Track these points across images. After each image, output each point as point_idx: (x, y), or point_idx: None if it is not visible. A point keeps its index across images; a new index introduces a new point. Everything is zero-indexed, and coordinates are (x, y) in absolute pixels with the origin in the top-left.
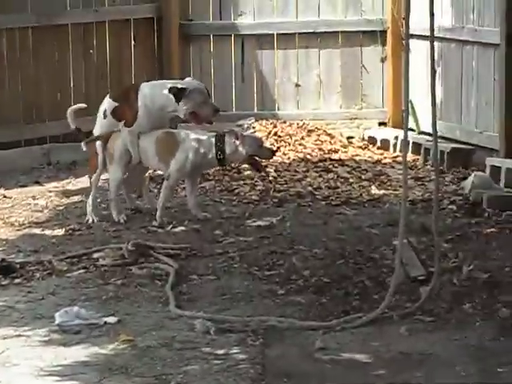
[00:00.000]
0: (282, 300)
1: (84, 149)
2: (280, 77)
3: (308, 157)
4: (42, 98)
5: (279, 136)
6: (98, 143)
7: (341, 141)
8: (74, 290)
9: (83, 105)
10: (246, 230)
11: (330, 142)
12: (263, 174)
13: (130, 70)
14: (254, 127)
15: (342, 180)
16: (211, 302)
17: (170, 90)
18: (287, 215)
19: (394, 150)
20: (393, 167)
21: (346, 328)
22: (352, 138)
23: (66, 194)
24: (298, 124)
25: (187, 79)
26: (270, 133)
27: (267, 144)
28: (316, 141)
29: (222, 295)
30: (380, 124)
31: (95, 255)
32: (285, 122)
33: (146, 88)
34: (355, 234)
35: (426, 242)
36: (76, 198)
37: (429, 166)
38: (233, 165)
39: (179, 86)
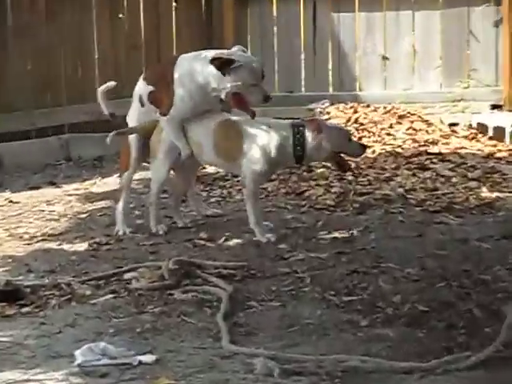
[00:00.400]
0: (365, 334)
1: (108, 142)
2: (362, 47)
3: (398, 150)
4: (58, 76)
5: (361, 124)
6: (133, 135)
7: (441, 129)
8: (100, 321)
9: (113, 83)
10: (318, 244)
11: (427, 131)
12: (350, 174)
13: (170, 40)
14: (328, 112)
15: (443, 180)
16: (275, 336)
17: (213, 61)
18: (371, 225)
19: None
20: (509, 163)
21: (448, 370)
22: (456, 125)
23: (90, 198)
24: (385, 108)
25: (235, 49)
26: (349, 120)
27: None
28: (409, 129)
29: (289, 327)
30: (493, 107)
31: (127, 276)
32: (368, 106)
33: (184, 62)
34: (460, 249)
35: None
36: (102, 204)
37: None
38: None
39: (225, 56)
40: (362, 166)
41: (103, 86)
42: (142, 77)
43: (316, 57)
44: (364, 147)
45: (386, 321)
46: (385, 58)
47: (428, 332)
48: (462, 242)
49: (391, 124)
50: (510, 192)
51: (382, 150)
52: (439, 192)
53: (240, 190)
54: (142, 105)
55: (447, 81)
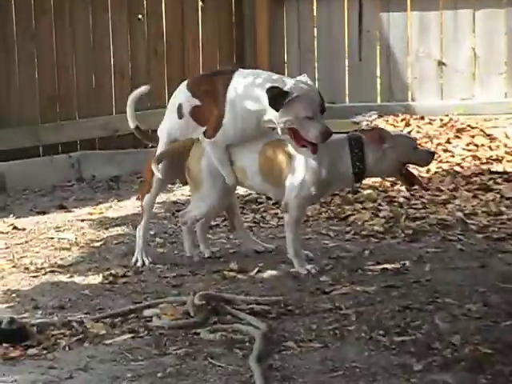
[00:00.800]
0: (419, 380)
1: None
2: (415, 52)
3: (457, 168)
4: (70, 85)
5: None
6: (159, 148)
7: (506, 144)
8: (117, 364)
9: (146, 87)
10: (365, 277)
11: (490, 147)
12: (420, 188)
13: (195, 44)
14: (376, 126)
15: (509, 202)
16: (316, 382)
17: (268, 90)
18: (426, 254)
19: None
20: None
21: None
22: None
23: (105, 223)
24: (441, 120)
25: (300, 77)
26: None
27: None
28: (469, 145)
29: (332, 371)
30: None
31: (147, 313)
32: (422, 118)
33: (240, 81)
34: None
35: None
36: (119, 230)
37: None
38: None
39: (284, 87)
40: (416, 187)
41: (136, 92)
42: (184, 85)
43: (362, 62)
44: (433, 154)
45: (444, 365)
46: (441, 64)
47: (492, 378)
48: None
49: (449, 139)
50: None
51: (439, 168)
52: (504, 217)
53: (276, 214)
54: (180, 116)
55: None
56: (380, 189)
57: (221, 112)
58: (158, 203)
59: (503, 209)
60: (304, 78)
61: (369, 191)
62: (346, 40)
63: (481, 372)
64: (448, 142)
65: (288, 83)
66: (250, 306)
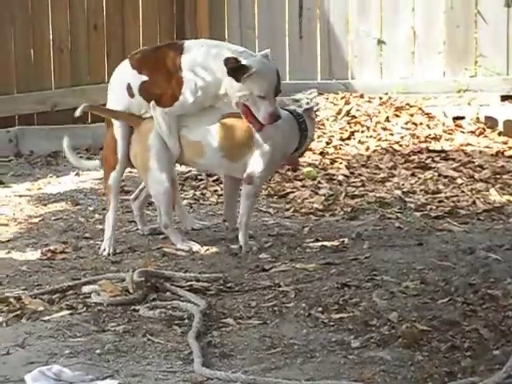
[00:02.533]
0: (357, 356)
1: (77, 114)
2: (355, 30)
3: (396, 147)
4: (8, 60)
5: (353, 116)
6: (118, 125)
7: (444, 123)
8: (55, 341)
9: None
10: (304, 254)
11: (428, 126)
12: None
13: (135, 18)
14: (317, 104)
15: (446, 181)
16: (254, 359)
17: (227, 61)
18: (365, 232)
19: None
20: None
21: None
22: (461, 118)
23: (43, 200)
24: (381, 99)
25: (264, 53)
26: (339, 112)
27: None
28: (407, 123)
29: (270, 348)
30: (503, 98)
31: (85, 289)
32: (362, 97)
33: (195, 51)
34: (465, 260)
35: None
36: (57, 206)
37: None
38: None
39: (242, 60)
40: (355, 165)
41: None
42: (127, 63)
43: (302, 40)
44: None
45: (381, 342)
46: (381, 42)
47: (428, 355)
48: (467, 253)
49: (388, 117)
50: None
51: (377, 146)
52: (442, 195)
53: (216, 191)
54: (132, 95)
55: (452, 68)
56: (320, 167)
57: (178, 82)
58: (98, 179)
59: (441, 187)
60: (266, 53)
61: (308, 169)
62: (286, 17)
63: (417, 349)
64: (387, 120)
65: (248, 57)
66: (190, 282)
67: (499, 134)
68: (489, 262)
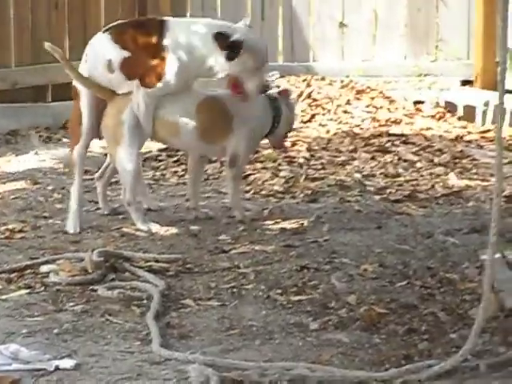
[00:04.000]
0: (315, 338)
1: (47, 47)
2: (317, 12)
3: (356, 130)
4: None
5: (314, 99)
6: (86, 97)
7: (404, 107)
8: (12, 320)
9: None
10: (264, 236)
11: (389, 109)
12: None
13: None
14: (277, 86)
15: (406, 165)
16: (213, 340)
17: (218, 38)
18: (324, 215)
19: (484, 122)
20: (481, 147)
21: (408, 381)
22: (421, 102)
23: (2, 178)
24: (342, 82)
25: (240, 23)
26: (301, 94)
27: None
28: (368, 107)
29: (229, 329)
30: (463, 83)
31: (44, 269)
32: (323, 79)
33: (178, 29)
34: (424, 244)
35: None
36: (17, 185)
37: None
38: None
39: (235, 36)
40: (315, 148)
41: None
42: (108, 36)
43: (264, 22)
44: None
45: (339, 324)
46: (342, 25)
47: (386, 337)
48: (426, 236)
49: (349, 100)
50: (481, 180)
51: (338, 129)
52: (401, 179)
53: (176, 172)
54: (112, 71)
55: (412, 52)
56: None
57: (161, 62)
58: (57, 158)
59: (401, 171)
60: (245, 22)
61: (269, 151)
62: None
63: (375, 331)
64: (348, 103)
65: (237, 30)
66: (149, 263)
67: (459, 118)
68: (447, 245)
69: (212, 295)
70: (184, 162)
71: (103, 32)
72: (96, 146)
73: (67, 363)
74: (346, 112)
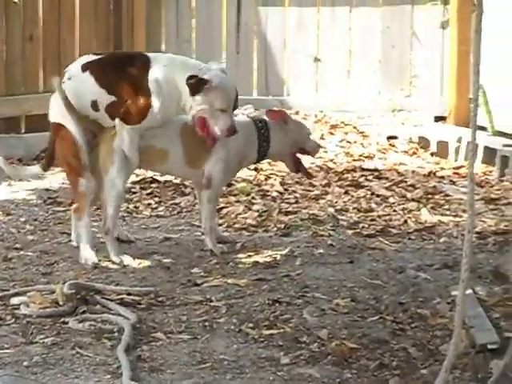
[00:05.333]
0: (286, 373)
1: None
2: (292, 47)
3: (330, 164)
4: None
5: None
6: (77, 129)
7: (378, 142)
8: None
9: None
10: (236, 269)
11: (363, 144)
12: (305, 174)
13: (71, 29)
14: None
15: (379, 200)
16: (184, 374)
17: (189, 78)
18: (297, 249)
19: (457, 158)
20: (453, 183)
21: None
22: (394, 138)
23: None
24: (316, 116)
25: (214, 66)
26: None
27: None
28: (342, 141)
29: (200, 363)
30: (437, 119)
31: (14, 301)
32: (297, 114)
33: (159, 64)
34: (396, 279)
35: (500, 294)
36: None
37: (507, 183)
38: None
39: (204, 75)
40: (289, 182)
41: None
42: (92, 78)
43: (239, 56)
44: (320, 146)
45: (311, 359)
46: (317, 60)
47: (357, 372)
48: (398, 271)
49: (322, 134)
50: (453, 216)
51: (312, 163)
52: (374, 213)
53: (149, 204)
54: (96, 110)
55: (387, 88)
56: (254, 182)
57: (146, 100)
58: (30, 190)
59: (373, 205)
60: (220, 65)
61: (243, 184)
62: (223, 33)
63: (346, 366)
64: (322, 138)
65: (209, 71)
66: (121, 296)
67: (432, 154)
68: (419, 281)
69: (183, 328)
70: (157, 195)
71: (83, 70)
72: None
73: None
74: (319, 146)
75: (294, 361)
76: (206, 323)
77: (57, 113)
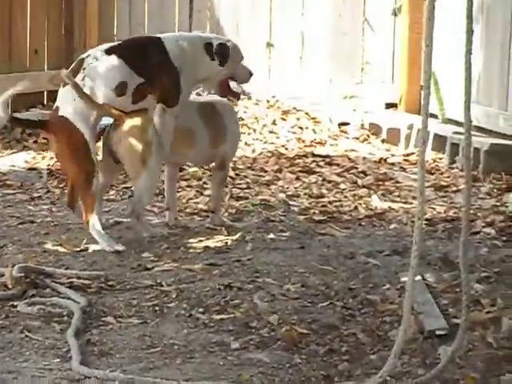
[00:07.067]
0: (236, 357)
1: (64, 76)
2: (245, 33)
3: (281, 150)
4: None
5: (241, 119)
6: (87, 126)
7: (329, 128)
8: None
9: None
10: (187, 254)
11: (314, 130)
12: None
13: (23, 14)
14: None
15: (330, 185)
16: (133, 357)
17: (208, 46)
18: (248, 234)
19: (407, 145)
20: (404, 169)
21: None
22: (346, 124)
23: None
24: (268, 102)
25: (207, 33)
26: None
27: None
28: (293, 127)
29: (150, 347)
30: (388, 106)
31: None
32: (249, 99)
33: (175, 43)
34: (346, 265)
35: (449, 281)
36: None
37: (457, 170)
38: None
39: (217, 41)
40: (241, 167)
41: (8, 93)
42: (119, 59)
43: None
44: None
45: (261, 344)
46: (269, 45)
47: (307, 357)
48: (348, 257)
49: (274, 120)
50: (403, 202)
51: (264, 149)
52: (325, 199)
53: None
54: (121, 94)
55: (338, 74)
56: (205, 167)
57: (176, 79)
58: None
59: (324, 191)
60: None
61: (194, 169)
62: (176, 16)
63: (296, 352)
64: (274, 123)
65: (216, 37)
66: (70, 279)
67: (383, 141)
68: (368, 267)
69: (133, 313)
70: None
71: (108, 53)
72: (20, 160)
73: None
74: (271, 132)
75: (244, 346)
76: (156, 308)
77: (67, 108)
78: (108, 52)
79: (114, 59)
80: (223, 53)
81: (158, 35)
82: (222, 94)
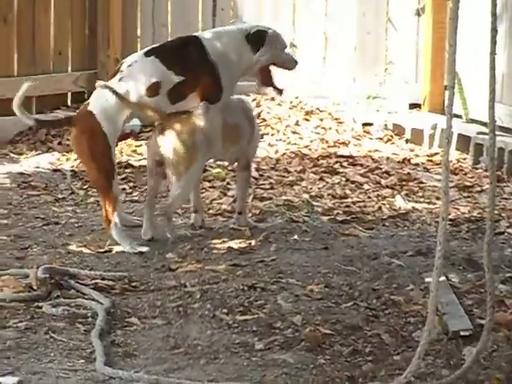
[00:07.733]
0: (260, 358)
1: (101, 85)
2: None
3: (305, 151)
4: None
5: (263, 119)
6: (111, 130)
7: (353, 129)
8: None
9: (27, 84)
10: (211, 255)
11: (337, 131)
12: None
13: (47, 14)
14: None
15: (354, 186)
16: (157, 358)
17: (250, 36)
18: (272, 235)
19: (431, 145)
20: (427, 170)
21: None
22: (369, 125)
23: None
24: (291, 103)
25: (240, 23)
26: None
27: None
28: (317, 128)
29: (174, 348)
30: (411, 106)
31: None
32: (273, 99)
33: (211, 40)
34: (370, 266)
35: (473, 281)
36: None
37: (481, 170)
38: None
39: (257, 28)
40: (264, 168)
41: (20, 93)
42: (156, 59)
43: None
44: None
45: (285, 344)
46: (292, 45)
47: (331, 358)
48: (372, 258)
49: (298, 121)
50: (427, 203)
51: (287, 149)
52: (349, 200)
53: (123, 189)
54: (153, 95)
55: (362, 74)
56: (229, 168)
57: (215, 76)
58: (3, 173)
59: (348, 192)
60: (240, 20)
61: (218, 170)
62: (199, 16)
63: (320, 352)
64: (297, 124)
65: (255, 26)
66: (95, 281)
67: (406, 141)
68: (392, 267)
69: (157, 314)
70: (132, 180)
71: (146, 55)
72: (45, 161)
73: (10, 380)
74: (294, 132)
75: (267, 346)
76: (180, 308)
77: (97, 105)
78: (147, 54)
79: (150, 60)
80: (256, 39)
81: (196, 33)
82: (264, 83)
